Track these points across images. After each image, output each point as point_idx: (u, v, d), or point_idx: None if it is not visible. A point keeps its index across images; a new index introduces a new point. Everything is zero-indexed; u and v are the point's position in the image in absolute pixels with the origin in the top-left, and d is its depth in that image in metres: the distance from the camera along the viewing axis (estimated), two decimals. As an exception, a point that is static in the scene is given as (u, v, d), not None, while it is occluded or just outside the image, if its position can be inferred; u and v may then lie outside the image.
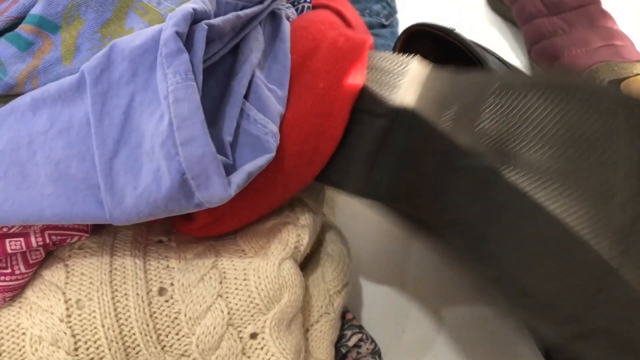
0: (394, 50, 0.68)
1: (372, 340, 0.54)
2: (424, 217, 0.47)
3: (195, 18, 0.39)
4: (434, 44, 0.69)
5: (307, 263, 0.53)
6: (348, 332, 0.53)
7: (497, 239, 0.41)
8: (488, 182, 0.41)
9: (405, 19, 0.81)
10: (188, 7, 0.38)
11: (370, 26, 0.75)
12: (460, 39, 0.65)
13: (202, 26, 0.39)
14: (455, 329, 0.57)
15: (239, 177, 0.39)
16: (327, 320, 0.50)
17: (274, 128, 0.43)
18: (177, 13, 0.38)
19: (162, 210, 0.39)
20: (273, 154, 0.42)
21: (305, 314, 0.49)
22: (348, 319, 0.54)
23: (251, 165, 0.41)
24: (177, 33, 0.37)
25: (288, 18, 0.51)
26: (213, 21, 0.40)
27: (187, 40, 0.38)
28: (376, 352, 0.54)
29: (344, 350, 0.52)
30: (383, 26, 0.76)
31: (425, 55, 0.65)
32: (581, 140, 0.40)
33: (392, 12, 0.78)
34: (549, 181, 0.39)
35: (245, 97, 0.44)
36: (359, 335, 0.53)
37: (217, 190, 0.38)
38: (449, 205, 0.43)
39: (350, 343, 0.52)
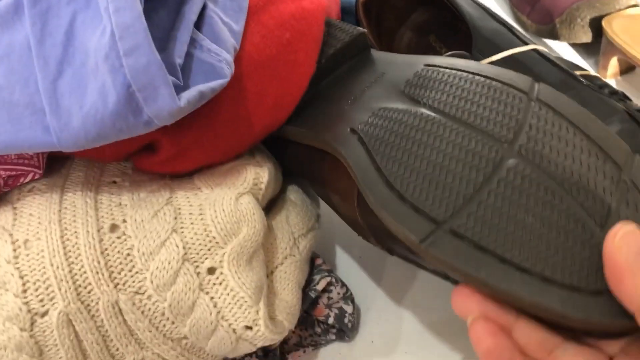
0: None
1: (343, 284, 0.53)
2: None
3: None
4: None
5: (270, 208, 0.52)
6: (317, 277, 0.52)
7: None
8: None
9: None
10: None
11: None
12: None
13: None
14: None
15: (189, 94, 0.38)
16: (291, 261, 0.49)
17: (228, 57, 0.42)
18: None
19: (110, 129, 0.37)
20: (227, 79, 0.41)
21: (269, 256, 0.48)
22: (317, 264, 0.53)
23: (203, 86, 0.39)
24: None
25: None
26: None
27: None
28: (348, 297, 0.52)
29: (313, 295, 0.50)
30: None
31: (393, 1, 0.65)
32: None
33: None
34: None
35: (199, 29, 0.43)
36: (328, 279, 0.51)
37: (165, 102, 0.37)
38: None
39: (320, 287, 0.51)
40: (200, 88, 0.39)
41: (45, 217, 0.43)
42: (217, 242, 0.43)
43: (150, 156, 0.45)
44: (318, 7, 0.51)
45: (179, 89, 0.39)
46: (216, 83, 0.40)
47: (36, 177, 0.46)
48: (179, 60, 0.40)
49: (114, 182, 0.47)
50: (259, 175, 0.47)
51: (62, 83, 0.38)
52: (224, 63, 0.41)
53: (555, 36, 0.72)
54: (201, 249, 0.43)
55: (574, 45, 0.77)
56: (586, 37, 0.70)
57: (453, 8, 0.63)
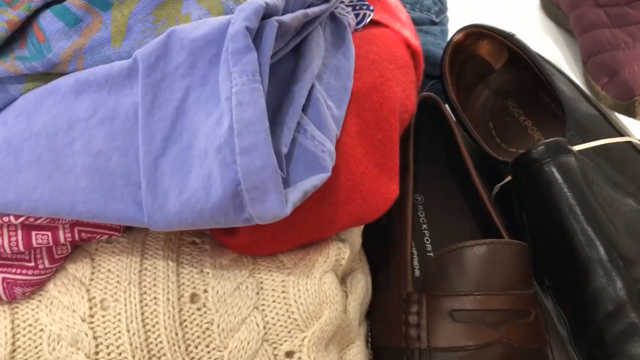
0: (447, 47, 0.66)
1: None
2: None
3: (266, 13, 0.36)
4: (490, 46, 0.67)
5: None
6: None
7: None
8: None
9: (454, 19, 0.78)
10: (259, 0, 0.36)
11: (421, 22, 0.73)
12: (523, 47, 0.63)
13: (273, 23, 0.36)
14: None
15: (295, 195, 0.37)
16: (359, 345, 0.49)
17: (331, 147, 0.41)
18: (248, 6, 0.35)
19: (207, 220, 0.37)
20: (329, 174, 0.40)
21: (342, 335, 0.48)
22: None
23: (307, 184, 0.39)
24: (247, 28, 0.35)
25: (349, 25, 0.49)
26: (283, 18, 0.38)
27: (255, 37, 0.36)
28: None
29: None
30: (433, 23, 0.74)
31: (478, 57, 0.64)
32: None
33: (443, 9, 0.76)
34: None
35: (303, 110, 0.42)
36: None
37: (272, 206, 0.36)
38: None
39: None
40: (304, 187, 0.38)
41: (124, 277, 0.43)
42: (297, 325, 0.43)
43: (228, 236, 0.44)
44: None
45: (284, 184, 0.38)
46: (319, 178, 0.39)
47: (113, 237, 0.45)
48: (284, 148, 0.39)
49: (194, 242, 0.46)
50: (340, 250, 0.47)
51: (165, 162, 0.37)
52: (327, 154, 0.40)
53: (632, 114, 0.72)
54: (282, 330, 0.43)
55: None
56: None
57: (548, 85, 0.61)
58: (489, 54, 0.68)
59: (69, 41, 0.40)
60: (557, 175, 0.50)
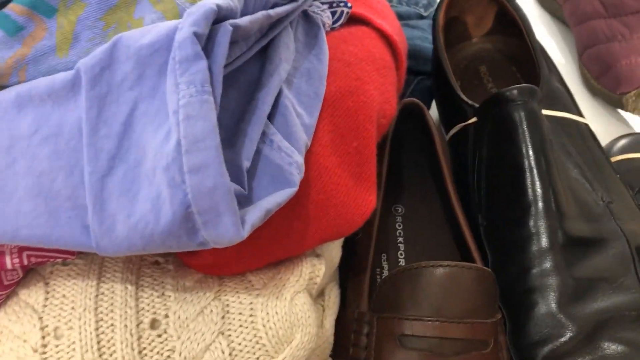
0: (436, 13, 0.64)
1: None
2: None
3: (219, 16, 0.33)
4: (482, 11, 0.67)
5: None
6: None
7: None
8: None
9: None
10: (211, 2, 0.33)
11: (407, 16, 0.70)
12: (520, 12, 0.62)
13: (226, 27, 0.33)
14: None
15: (254, 216, 0.34)
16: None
17: (300, 159, 0.38)
18: (197, 9, 0.32)
19: (159, 245, 0.34)
20: (295, 189, 0.37)
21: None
22: None
23: (269, 202, 0.36)
24: (196, 34, 0.32)
25: (324, 24, 0.46)
26: (239, 21, 0.34)
27: (206, 43, 0.33)
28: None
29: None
30: (421, 17, 0.71)
31: (467, 18, 0.66)
32: None
33: (431, 2, 0.73)
34: None
35: (270, 118, 0.39)
36: None
37: (227, 231, 0.33)
38: None
39: None
40: (265, 206, 0.35)
41: (79, 303, 0.40)
42: (266, 350, 0.40)
43: (191, 256, 0.41)
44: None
45: (243, 200, 0.35)
46: (284, 194, 0.36)
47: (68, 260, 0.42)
48: (246, 162, 0.36)
49: (157, 262, 0.43)
50: (315, 268, 0.44)
51: (111, 182, 0.34)
52: (294, 167, 0.37)
53: (623, 107, 0.69)
54: (249, 357, 0.40)
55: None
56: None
57: (533, 51, 0.60)
58: (478, 18, 0.67)
59: (10, 51, 0.37)
60: (524, 118, 0.51)
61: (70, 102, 0.36)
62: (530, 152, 0.50)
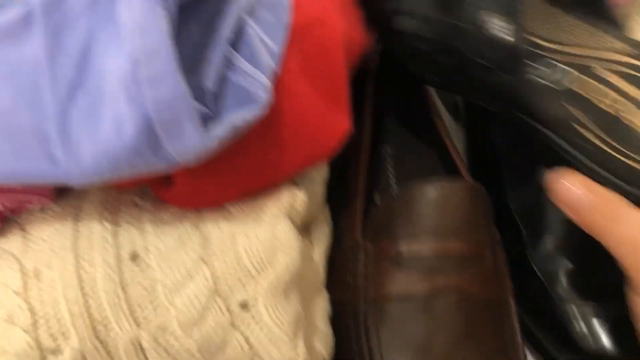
0: None
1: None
2: None
3: None
4: None
5: (309, 231, 0.49)
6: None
7: None
8: None
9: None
10: None
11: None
12: None
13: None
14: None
15: (219, 129, 0.35)
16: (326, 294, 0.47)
17: (266, 81, 0.38)
18: None
19: (126, 166, 0.34)
20: (263, 107, 0.37)
21: (306, 285, 0.45)
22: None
23: (236, 117, 0.36)
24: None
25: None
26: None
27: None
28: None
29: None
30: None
31: None
32: None
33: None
34: None
35: (234, 46, 0.39)
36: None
37: (191, 141, 0.33)
38: None
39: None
40: (233, 121, 0.35)
41: (58, 244, 0.40)
42: (251, 274, 0.40)
43: (166, 189, 0.42)
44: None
45: (209, 120, 0.35)
46: (252, 113, 0.37)
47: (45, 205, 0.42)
48: (210, 85, 0.36)
49: (135, 202, 0.43)
50: (294, 195, 0.44)
51: (74, 110, 0.35)
52: (260, 89, 0.37)
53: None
54: (233, 282, 0.40)
55: None
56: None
57: None
58: None
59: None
60: None
61: (26, 37, 0.36)
62: None
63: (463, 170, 0.53)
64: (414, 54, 0.52)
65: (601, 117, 0.43)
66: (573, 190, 0.42)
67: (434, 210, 0.45)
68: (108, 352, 0.39)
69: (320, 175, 0.50)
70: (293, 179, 0.46)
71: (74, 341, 0.38)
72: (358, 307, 0.46)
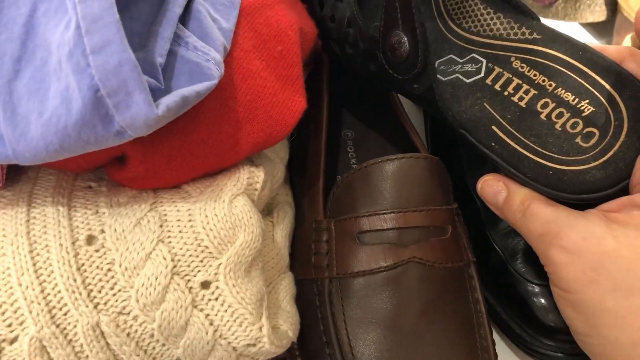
0: None
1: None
2: None
3: None
4: None
5: (270, 211, 0.49)
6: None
7: None
8: None
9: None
10: None
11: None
12: None
13: None
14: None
15: (169, 99, 0.34)
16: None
17: (217, 56, 0.38)
18: None
19: (75, 140, 0.33)
20: (215, 82, 0.37)
21: (269, 264, 0.45)
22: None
23: (187, 90, 0.35)
24: None
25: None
26: None
27: None
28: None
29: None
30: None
31: None
32: None
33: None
34: None
35: (184, 24, 0.39)
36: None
37: (140, 110, 0.32)
38: None
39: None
40: (183, 92, 0.35)
41: (10, 229, 0.39)
42: (210, 252, 0.40)
43: (121, 169, 0.41)
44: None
45: (159, 93, 0.35)
46: (202, 86, 0.36)
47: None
48: (160, 59, 0.36)
49: (90, 186, 0.43)
50: (253, 174, 0.44)
51: (20, 85, 0.34)
52: (212, 63, 0.37)
53: (559, 16, 0.70)
54: (192, 261, 0.40)
55: (585, 25, 0.74)
56: (598, 15, 0.68)
57: None
58: None
59: None
60: None
61: None
62: None
63: (422, 148, 0.53)
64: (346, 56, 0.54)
65: (512, 110, 0.44)
66: (492, 188, 0.45)
67: (393, 185, 0.46)
68: (67, 339, 0.38)
69: (279, 156, 0.49)
70: (251, 159, 0.45)
71: (31, 329, 0.37)
72: (323, 285, 0.46)
